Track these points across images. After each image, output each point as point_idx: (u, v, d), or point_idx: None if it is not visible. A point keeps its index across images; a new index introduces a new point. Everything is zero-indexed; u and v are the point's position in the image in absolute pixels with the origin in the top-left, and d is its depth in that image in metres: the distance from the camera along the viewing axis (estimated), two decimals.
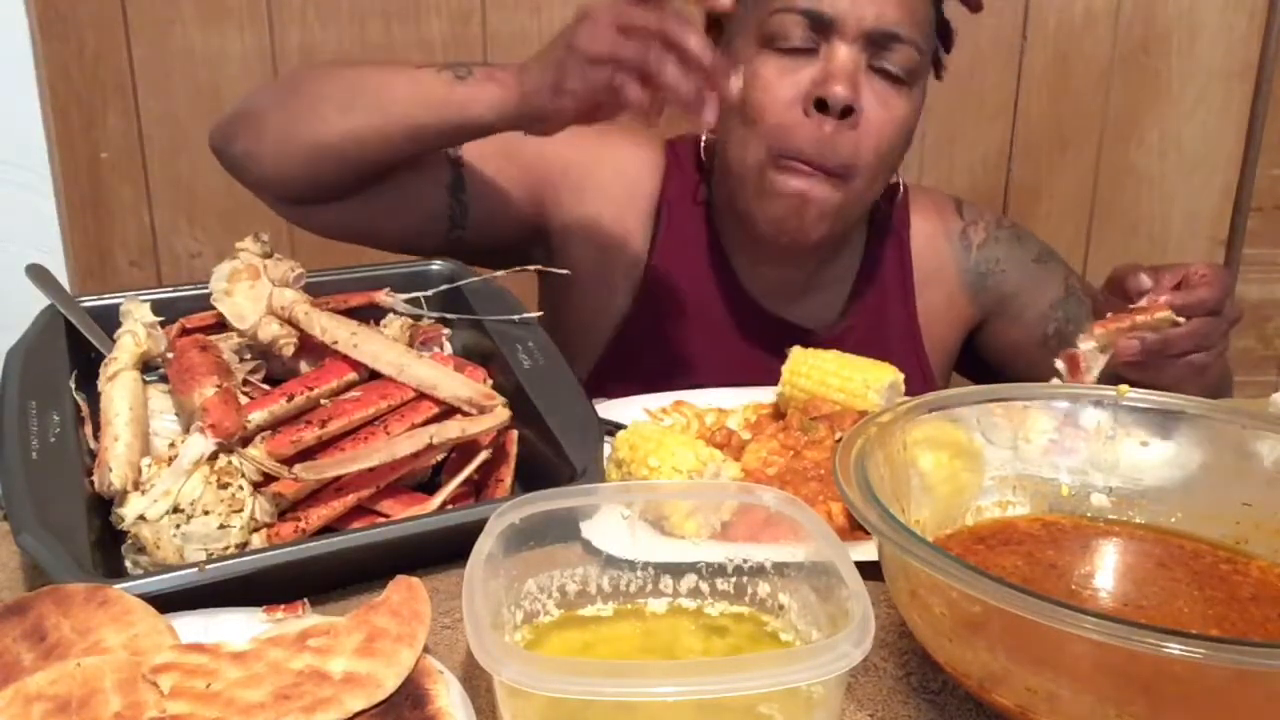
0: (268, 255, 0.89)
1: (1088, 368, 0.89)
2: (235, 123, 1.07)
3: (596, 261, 1.16)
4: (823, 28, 1.00)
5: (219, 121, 1.09)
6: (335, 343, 0.83)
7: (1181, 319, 0.89)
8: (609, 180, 1.16)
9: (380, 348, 0.83)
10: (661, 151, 1.19)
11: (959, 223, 1.23)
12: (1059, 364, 0.91)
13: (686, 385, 1.02)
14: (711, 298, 1.17)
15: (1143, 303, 0.91)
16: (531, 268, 1.05)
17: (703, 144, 1.17)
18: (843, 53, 1.00)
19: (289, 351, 0.84)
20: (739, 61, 1.01)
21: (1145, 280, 0.92)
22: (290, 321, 0.85)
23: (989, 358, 1.27)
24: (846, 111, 1.00)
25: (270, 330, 0.84)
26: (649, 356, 1.16)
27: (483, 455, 0.82)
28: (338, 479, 0.78)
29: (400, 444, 0.78)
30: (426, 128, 0.98)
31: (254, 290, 0.86)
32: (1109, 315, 0.91)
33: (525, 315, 0.94)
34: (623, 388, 1.04)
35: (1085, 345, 0.90)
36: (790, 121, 1.01)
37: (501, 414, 0.82)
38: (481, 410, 0.81)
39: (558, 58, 0.88)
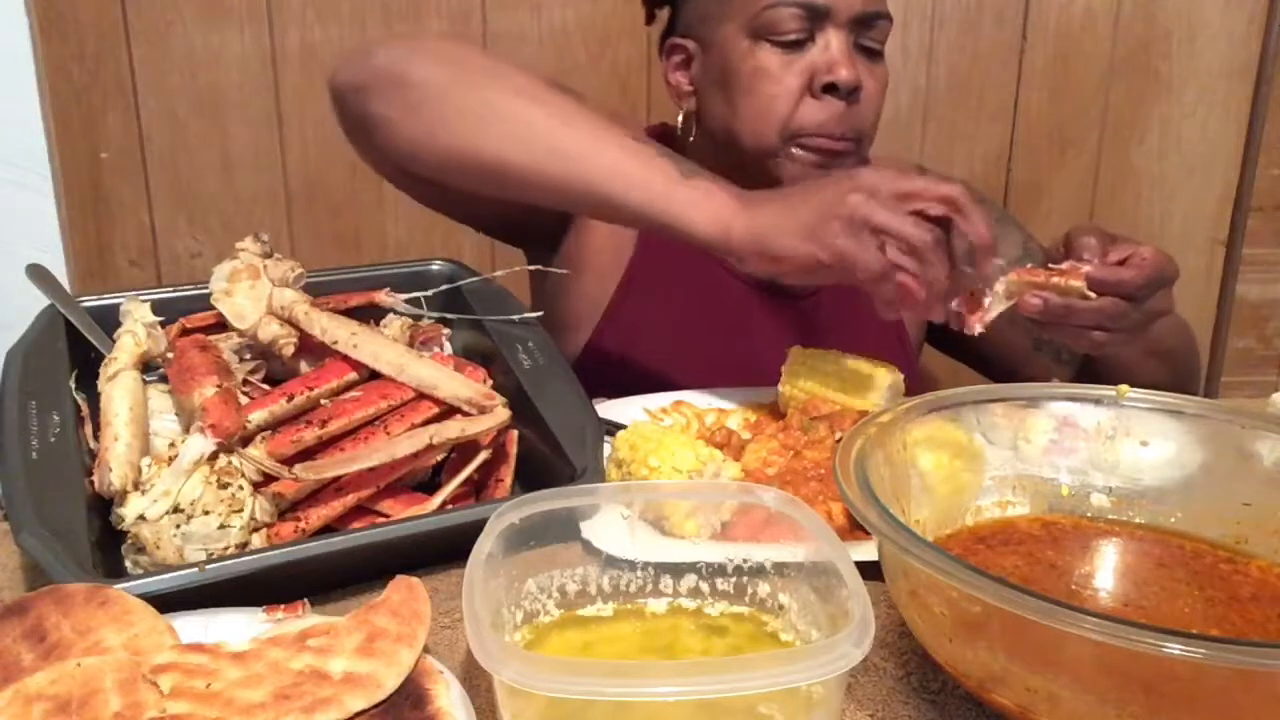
0: (268, 255, 0.89)
1: (986, 310, 0.87)
2: (385, 82, 0.98)
3: (594, 250, 1.20)
4: (817, 17, 1.08)
5: (357, 65, 1.00)
6: (335, 343, 0.83)
7: (1093, 294, 0.86)
8: None
9: (380, 348, 0.83)
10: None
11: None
12: (955, 304, 0.87)
13: (674, 363, 1.02)
14: (694, 274, 1.19)
15: (1065, 265, 0.88)
16: (531, 267, 1.05)
17: (680, 125, 1.20)
18: (837, 39, 1.08)
19: (288, 351, 0.84)
20: (720, 43, 1.10)
21: (1089, 243, 0.90)
22: (290, 321, 0.85)
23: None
24: (854, 91, 1.08)
25: (270, 330, 0.84)
26: (640, 334, 1.19)
27: (483, 455, 0.82)
28: (338, 479, 0.78)
29: (400, 444, 0.78)
30: (622, 208, 0.92)
31: (254, 290, 0.86)
32: (1029, 266, 0.89)
33: (525, 315, 0.94)
34: (612, 369, 1.05)
35: (995, 289, 0.87)
36: (804, 107, 1.09)
37: (501, 414, 0.82)
38: (481, 410, 0.81)
39: (819, 207, 0.87)
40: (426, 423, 0.81)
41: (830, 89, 1.07)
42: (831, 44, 1.08)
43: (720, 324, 1.21)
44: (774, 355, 1.01)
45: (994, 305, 0.87)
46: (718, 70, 1.13)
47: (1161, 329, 0.98)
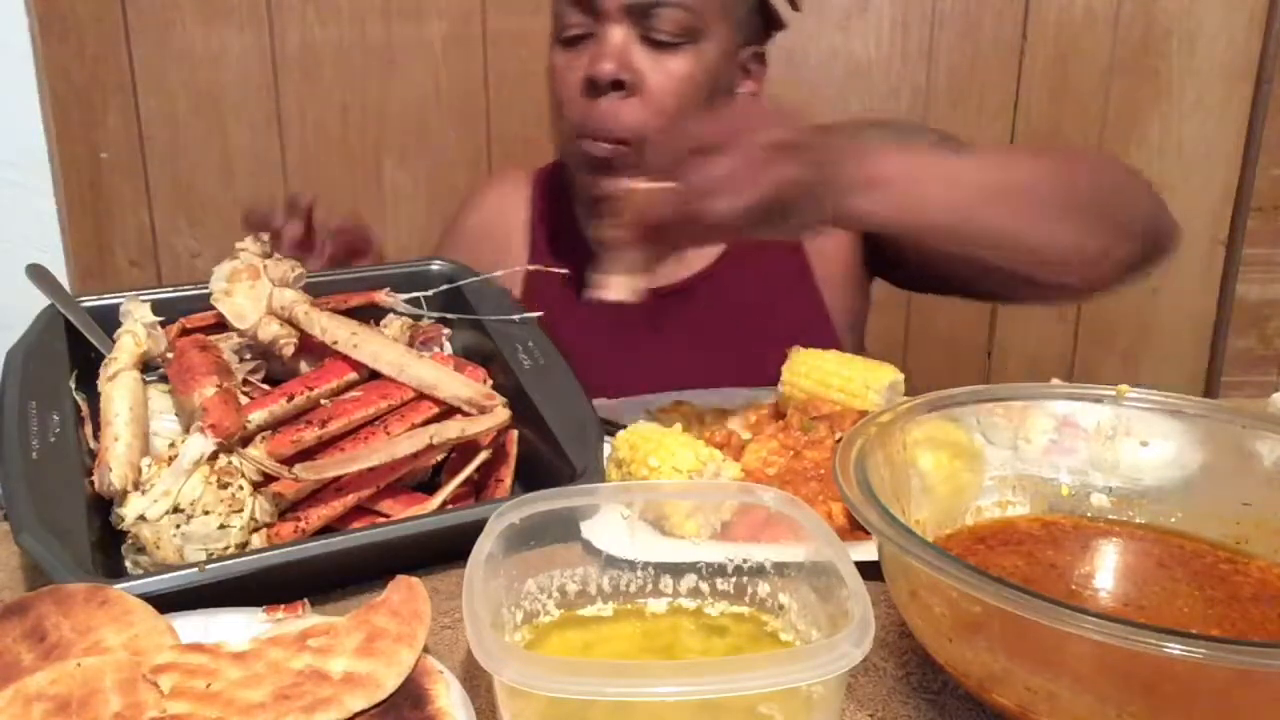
0: (267, 255, 0.89)
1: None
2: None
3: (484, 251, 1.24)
4: (589, 11, 1.07)
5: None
6: (335, 343, 0.83)
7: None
8: (479, 230, 1.31)
9: (380, 347, 0.83)
10: (526, 184, 1.31)
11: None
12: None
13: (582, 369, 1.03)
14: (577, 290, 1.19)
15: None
16: (531, 267, 1.05)
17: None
18: (613, 33, 1.06)
19: (289, 351, 0.84)
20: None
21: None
22: (290, 321, 0.85)
23: (894, 252, 1.23)
24: (617, 85, 1.06)
25: (270, 330, 0.84)
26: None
27: (483, 455, 0.82)
28: (338, 479, 0.78)
29: (400, 444, 0.78)
30: None
31: (254, 290, 0.86)
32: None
33: (525, 315, 0.94)
34: None
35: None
36: (580, 105, 1.09)
37: (501, 414, 0.82)
38: (482, 410, 0.81)
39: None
40: (426, 423, 0.81)
41: (593, 85, 1.06)
42: (606, 37, 1.06)
43: (610, 332, 1.17)
44: (670, 354, 1.05)
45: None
46: None
47: (1032, 180, 0.91)
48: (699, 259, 1.24)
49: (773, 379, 0.97)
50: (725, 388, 1.03)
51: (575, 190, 1.25)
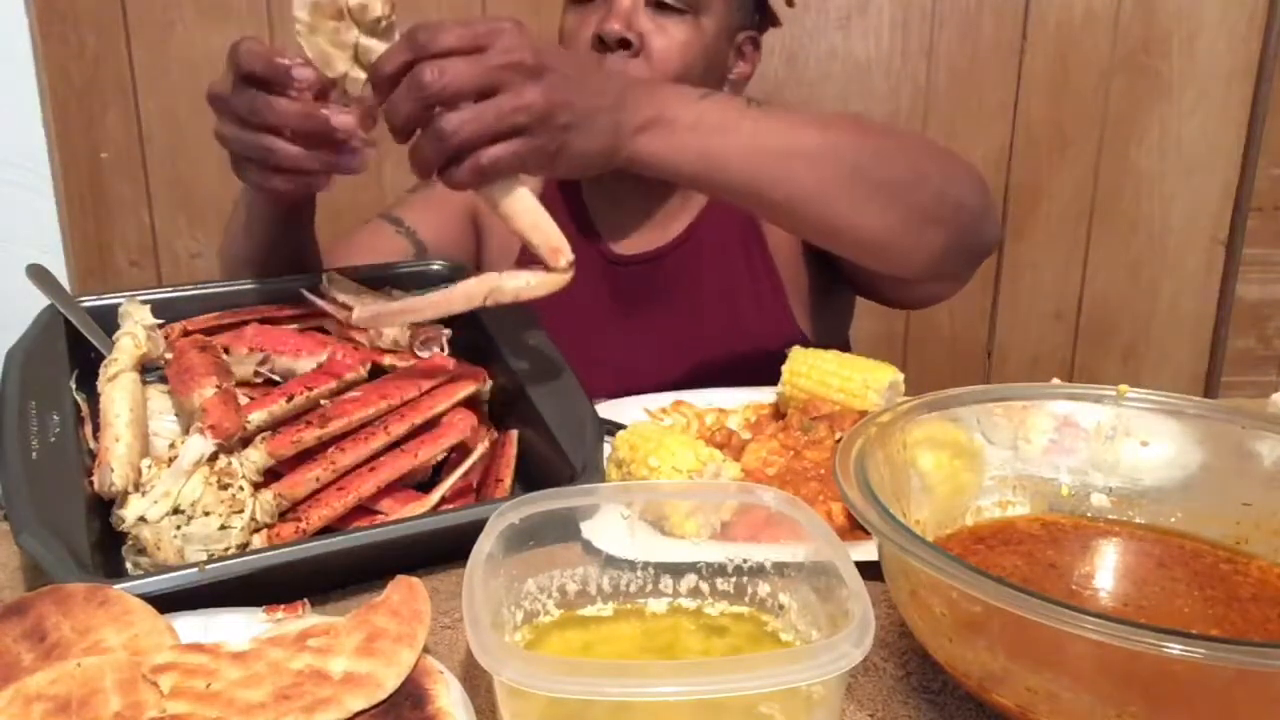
0: None
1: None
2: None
3: (496, 247, 1.28)
4: None
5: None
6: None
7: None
8: None
9: None
10: None
11: None
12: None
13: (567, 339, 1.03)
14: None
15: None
16: (530, 266, 1.05)
17: None
18: None
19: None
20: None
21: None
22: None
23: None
24: (624, 44, 1.11)
25: (358, 86, 0.78)
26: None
27: (479, 451, 0.82)
28: (337, 479, 0.78)
29: (457, 295, 0.79)
30: None
31: (339, 36, 0.78)
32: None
33: (525, 315, 0.94)
34: None
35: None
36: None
37: (562, 277, 0.80)
38: (549, 268, 0.80)
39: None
40: (426, 423, 0.81)
41: (601, 42, 1.11)
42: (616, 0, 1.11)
43: (596, 299, 1.24)
44: (643, 323, 1.09)
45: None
46: None
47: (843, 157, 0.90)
48: (670, 229, 1.27)
49: (743, 350, 0.97)
50: (725, 388, 1.03)
51: None
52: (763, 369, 1.00)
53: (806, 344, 0.99)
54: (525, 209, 0.79)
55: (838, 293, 1.31)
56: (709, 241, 1.27)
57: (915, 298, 1.20)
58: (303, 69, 0.80)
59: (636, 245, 1.28)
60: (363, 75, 0.78)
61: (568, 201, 1.29)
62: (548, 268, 0.80)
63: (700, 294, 1.26)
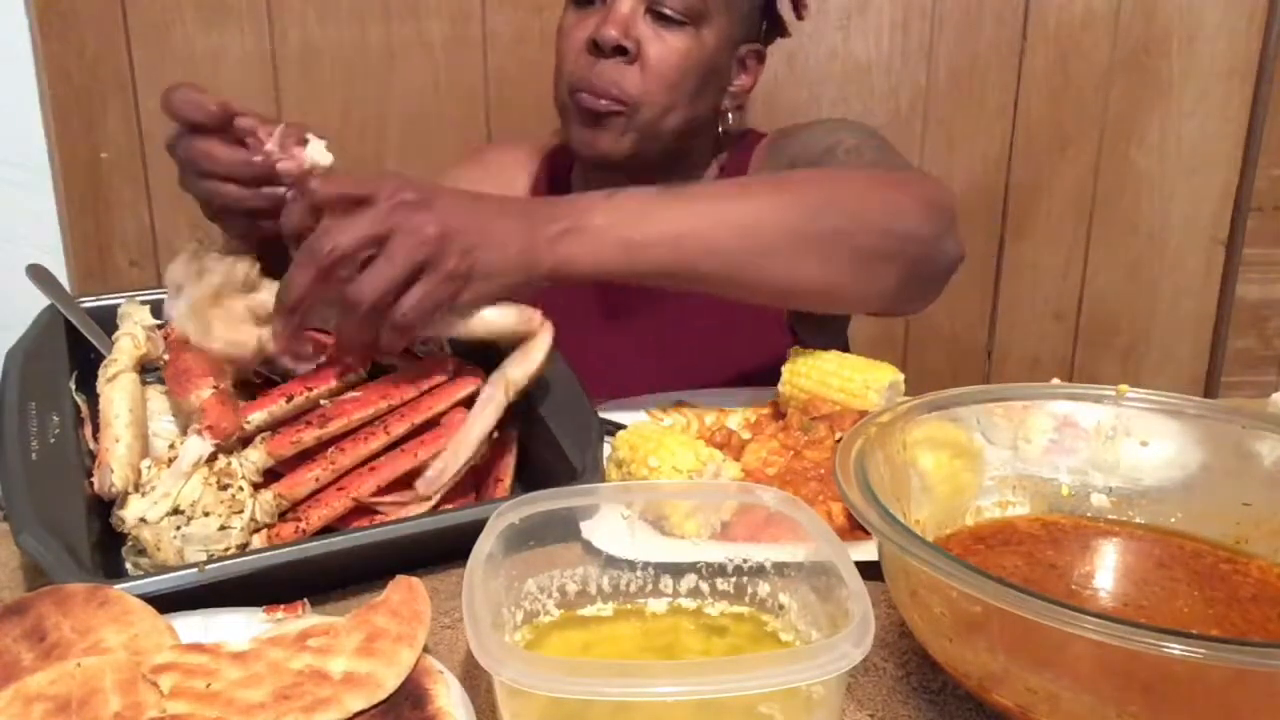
0: (200, 257, 0.82)
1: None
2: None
3: None
4: None
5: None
6: None
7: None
8: (494, 175, 1.32)
9: None
10: (535, 157, 1.36)
11: (789, 130, 1.28)
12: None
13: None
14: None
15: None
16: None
17: None
18: (623, 2, 1.12)
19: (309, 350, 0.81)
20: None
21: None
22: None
23: None
24: (619, 50, 1.12)
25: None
26: None
27: (478, 452, 0.82)
28: (337, 479, 0.78)
29: (477, 423, 0.80)
30: None
31: (226, 312, 0.80)
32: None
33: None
34: None
35: None
36: (579, 62, 1.14)
37: (547, 330, 0.82)
38: (524, 339, 0.82)
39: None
40: (427, 424, 0.81)
41: (596, 46, 1.12)
42: (616, 4, 1.12)
43: (579, 307, 1.23)
44: (640, 350, 1.09)
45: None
46: None
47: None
48: None
49: (742, 357, 0.97)
50: (724, 388, 1.03)
51: (581, 169, 1.30)
52: (759, 380, 1.01)
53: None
54: (475, 322, 0.81)
55: None
56: None
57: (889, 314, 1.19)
58: (244, 119, 0.82)
59: None
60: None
61: None
62: (531, 336, 0.82)
63: (695, 303, 1.25)
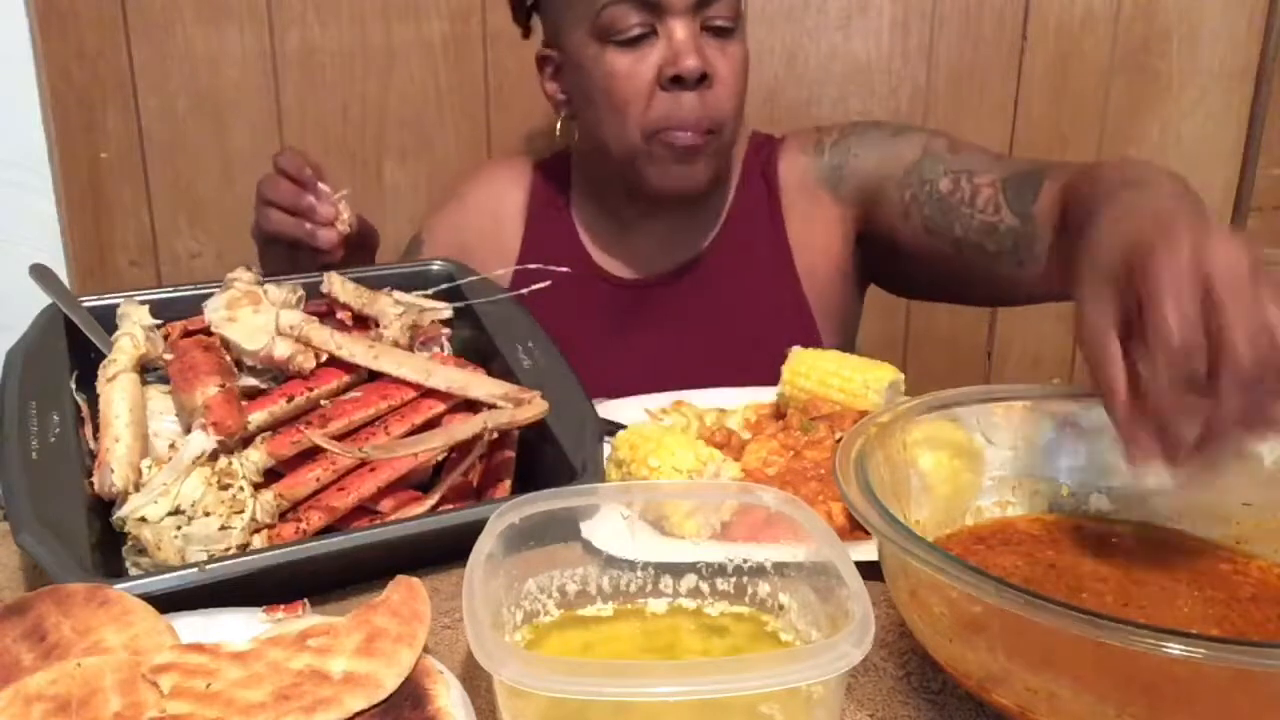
0: (260, 283, 0.89)
1: None
2: None
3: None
4: (653, 9, 1.08)
5: None
6: (353, 357, 0.83)
7: None
8: (476, 208, 1.34)
9: (400, 358, 0.83)
10: (529, 171, 1.34)
11: (815, 136, 1.27)
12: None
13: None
14: (571, 280, 1.19)
15: None
16: (529, 266, 1.05)
17: (558, 133, 1.26)
18: (681, 26, 1.08)
19: (309, 367, 0.83)
20: (573, 50, 1.14)
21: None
22: (303, 340, 0.84)
23: (885, 254, 1.23)
24: (702, 79, 1.09)
25: (285, 348, 0.83)
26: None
27: (477, 452, 0.82)
28: (338, 479, 0.78)
29: (458, 429, 0.78)
30: None
31: (258, 314, 0.85)
32: None
33: (523, 314, 0.94)
34: None
35: None
36: (656, 101, 1.10)
37: (541, 404, 0.82)
38: (518, 403, 0.81)
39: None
40: (427, 423, 0.81)
41: (677, 80, 1.08)
42: (675, 33, 1.08)
43: (597, 323, 1.24)
44: (659, 342, 1.11)
45: None
46: (577, 77, 1.15)
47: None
48: (686, 247, 1.27)
49: (760, 367, 0.98)
50: (725, 387, 1.03)
51: (586, 183, 1.29)
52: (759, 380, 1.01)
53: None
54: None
55: (861, 299, 1.31)
56: (730, 259, 1.25)
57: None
58: (321, 184, 1.02)
59: (643, 269, 1.27)
60: (288, 341, 0.84)
61: (562, 224, 1.29)
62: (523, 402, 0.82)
63: (721, 311, 1.25)
